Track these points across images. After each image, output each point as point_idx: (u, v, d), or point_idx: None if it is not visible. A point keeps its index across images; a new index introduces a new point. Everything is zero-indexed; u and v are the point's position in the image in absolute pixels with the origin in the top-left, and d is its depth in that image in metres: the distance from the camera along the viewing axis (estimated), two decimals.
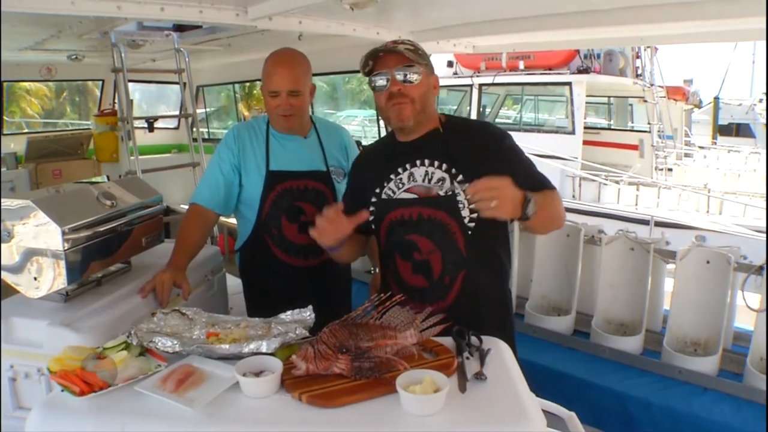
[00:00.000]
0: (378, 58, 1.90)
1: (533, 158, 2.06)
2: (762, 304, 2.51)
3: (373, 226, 2.01)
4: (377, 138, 5.38)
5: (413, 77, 1.88)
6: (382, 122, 5.17)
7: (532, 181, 1.84)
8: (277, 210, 2.38)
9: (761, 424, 2.25)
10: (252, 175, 2.38)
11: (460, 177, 1.86)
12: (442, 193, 1.88)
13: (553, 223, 1.91)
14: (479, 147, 1.91)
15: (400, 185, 1.94)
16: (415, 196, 1.92)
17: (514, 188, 1.65)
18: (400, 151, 1.99)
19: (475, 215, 1.84)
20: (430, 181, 1.90)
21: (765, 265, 2.52)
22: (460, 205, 1.86)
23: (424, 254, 1.89)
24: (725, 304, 2.62)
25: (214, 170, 2.40)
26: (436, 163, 1.91)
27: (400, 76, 1.86)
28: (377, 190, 1.98)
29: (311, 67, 2.40)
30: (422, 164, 1.93)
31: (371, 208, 1.98)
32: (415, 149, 1.96)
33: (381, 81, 1.89)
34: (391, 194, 1.95)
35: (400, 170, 1.95)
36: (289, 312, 1.71)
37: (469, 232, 1.87)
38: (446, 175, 1.89)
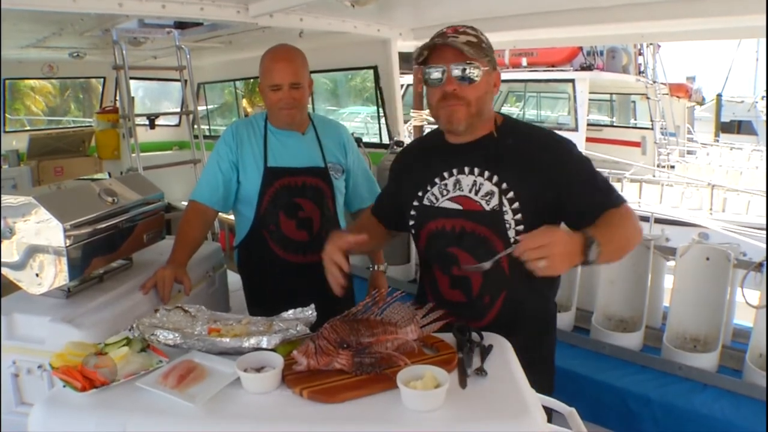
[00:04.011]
0: (434, 49, 1.71)
1: None
2: (761, 300, 2.51)
3: (412, 231, 1.89)
4: (378, 135, 5.40)
5: (472, 76, 1.69)
6: (383, 120, 5.16)
7: (595, 201, 1.67)
8: (275, 206, 2.38)
9: (761, 421, 2.25)
10: (250, 172, 2.39)
11: (511, 194, 1.70)
12: (488, 208, 1.72)
13: (626, 249, 1.69)
14: (536, 162, 1.72)
15: (444, 192, 1.79)
16: (459, 206, 1.77)
17: (567, 239, 1.47)
18: (448, 153, 1.82)
19: (521, 227, 1.69)
20: (477, 192, 1.74)
21: (764, 262, 2.52)
22: (507, 225, 1.70)
23: (463, 270, 1.75)
24: (725, 301, 2.62)
25: (212, 167, 2.41)
26: (486, 174, 1.74)
27: (457, 72, 1.68)
28: (419, 194, 1.84)
29: (308, 62, 2.41)
30: (471, 173, 1.77)
31: (412, 212, 1.86)
32: (464, 154, 1.79)
33: (436, 74, 1.70)
34: (434, 201, 1.81)
35: (446, 175, 1.80)
36: (291, 311, 1.71)
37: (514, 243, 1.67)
38: (495, 189, 1.72)
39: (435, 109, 1.76)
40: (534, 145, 1.76)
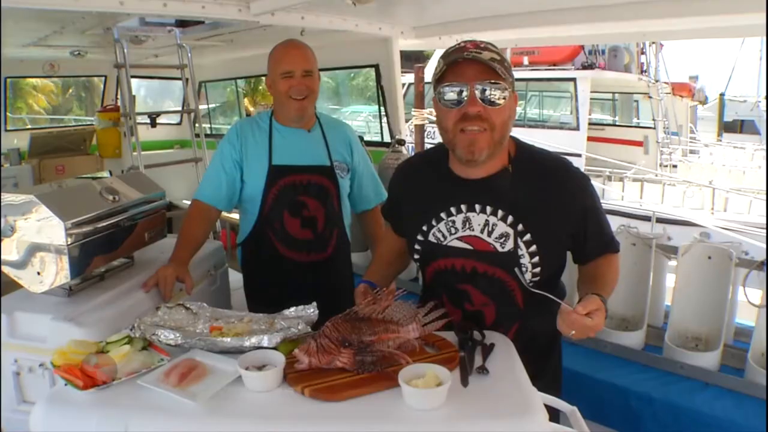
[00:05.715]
0: (454, 64, 1.50)
1: None
2: (763, 299, 2.50)
3: (417, 264, 1.80)
4: (380, 135, 5.38)
5: (499, 97, 1.51)
6: (384, 120, 5.14)
7: (601, 242, 1.69)
8: (280, 205, 2.38)
9: (762, 420, 2.25)
10: (254, 170, 2.38)
11: (528, 236, 1.59)
12: (502, 250, 1.60)
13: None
14: (553, 200, 1.60)
15: (453, 231, 1.65)
16: (470, 246, 1.63)
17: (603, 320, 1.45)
18: (456, 186, 1.66)
19: (537, 269, 1.61)
20: (490, 234, 1.60)
21: (766, 261, 2.51)
22: (524, 268, 1.60)
23: (476, 306, 1.67)
24: (726, 300, 2.62)
25: (216, 166, 2.41)
26: (500, 213, 1.60)
27: (482, 92, 1.49)
28: (424, 228, 1.70)
29: None
30: (482, 211, 1.62)
31: (416, 247, 1.73)
32: (475, 190, 1.63)
33: (452, 94, 1.51)
34: (441, 239, 1.67)
35: (453, 211, 1.65)
36: (292, 308, 1.71)
37: (530, 285, 1.62)
38: (510, 231, 1.59)
39: (451, 133, 1.56)
40: (550, 181, 1.62)
